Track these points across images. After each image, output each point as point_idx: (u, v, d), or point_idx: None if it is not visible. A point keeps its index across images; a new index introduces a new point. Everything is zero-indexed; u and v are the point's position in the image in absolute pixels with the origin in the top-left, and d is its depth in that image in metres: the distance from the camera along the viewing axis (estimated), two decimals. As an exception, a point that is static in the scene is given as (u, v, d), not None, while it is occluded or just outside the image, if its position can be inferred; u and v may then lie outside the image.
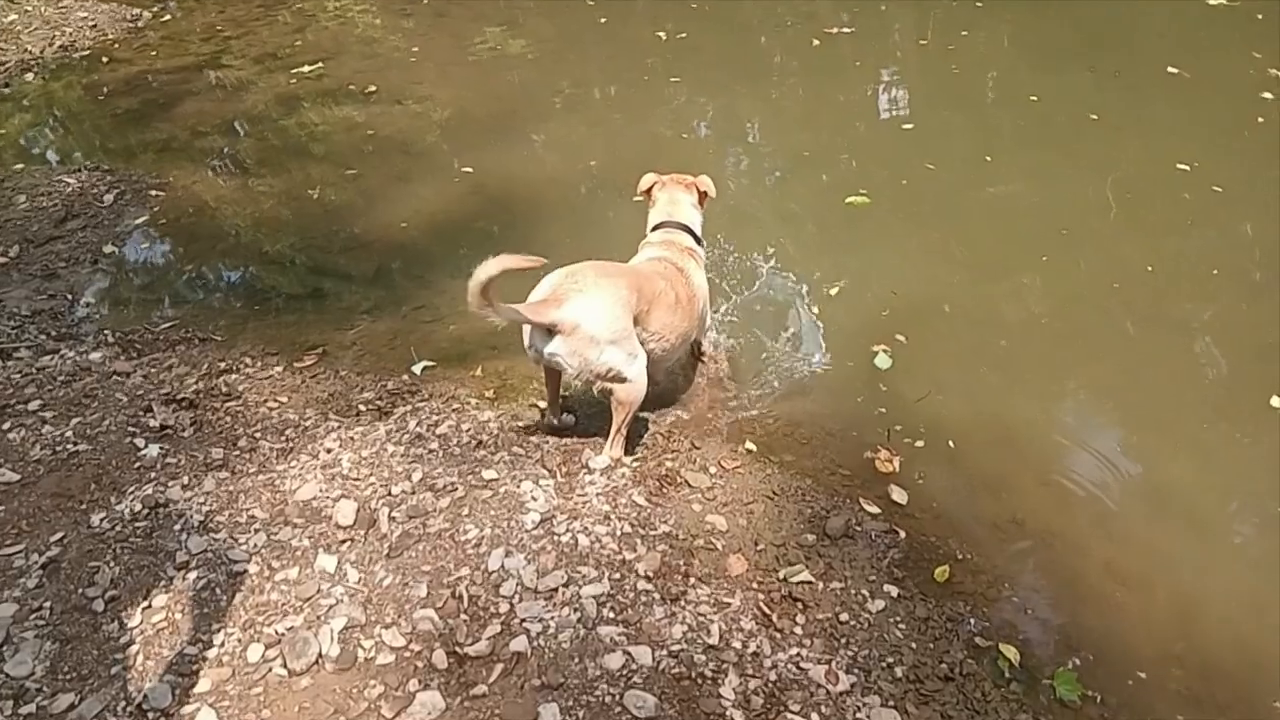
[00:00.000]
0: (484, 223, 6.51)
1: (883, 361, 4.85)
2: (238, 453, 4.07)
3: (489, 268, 3.36)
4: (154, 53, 11.09)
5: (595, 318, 3.59)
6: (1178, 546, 3.84)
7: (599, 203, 6.78)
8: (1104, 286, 5.51)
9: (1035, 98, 7.87)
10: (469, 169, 7.21)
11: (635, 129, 8.31)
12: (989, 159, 7.15)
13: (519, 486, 3.72)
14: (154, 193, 7.09)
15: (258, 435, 4.19)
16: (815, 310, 5.34)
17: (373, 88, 9.20)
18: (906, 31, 10.40)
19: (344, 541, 3.54)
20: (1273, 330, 4.95)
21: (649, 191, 4.67)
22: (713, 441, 4.18)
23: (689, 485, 3.82)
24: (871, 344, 4.99)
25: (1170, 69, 7.96)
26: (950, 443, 4.29)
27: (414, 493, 3.74)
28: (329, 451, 4.03)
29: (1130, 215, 6.26)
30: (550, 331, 3.59)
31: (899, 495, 3.91)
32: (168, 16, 12.61)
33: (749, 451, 4.09)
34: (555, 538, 3.47)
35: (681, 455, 4.02)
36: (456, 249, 6.16)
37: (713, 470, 3.93)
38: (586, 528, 3.52)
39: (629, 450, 4.03)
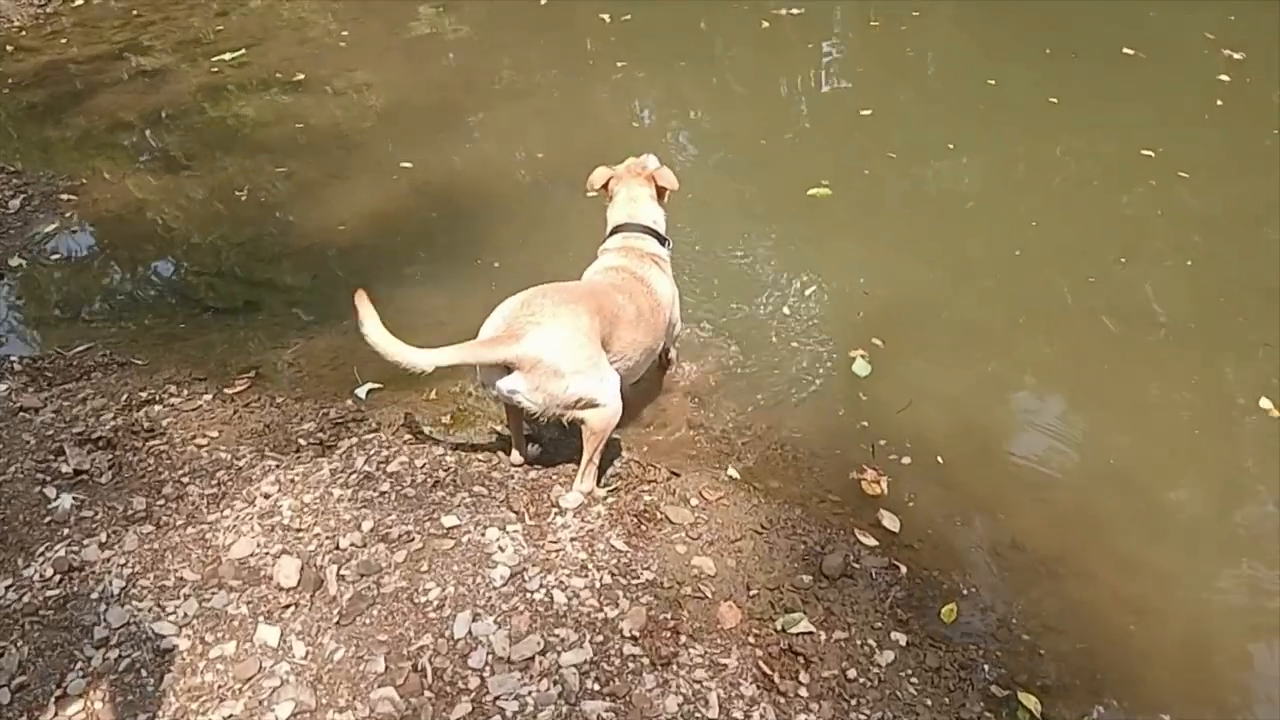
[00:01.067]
0: (428, 224, 6.01)
1: (861, 368, 4.52)
2: (162, 502, 3.58)
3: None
4: (65, 40, 10.24)
5: (557, 350, 3.19)
6: (1182, 566, 3.59)
7: (550, 198, 6.31)
8: (1079, 281, 5.25)
9: (993, 81, 7.59)
10: (408, 164, 6.68)
11: (583, 117, 7.84)
12: (951, 146, 6.84)
13: (484, 534, 3.31)
14: (66, 196, 6.43)
15: (185, 479, 3.70)
16: (787, 314, 4.97)
17: (301, 75, 8.54)
18: (856, 12, 10.06)
19: (287, 607, 3.09)
20: (1255, 327, 4.74)
21: (605, 187, 4.20)
22: (691, 467, 3.80)
23: (670, 522, 3.44)
24: (848, 349, 4.65)
25: (1126, 50, 7.73)
26: (939, 458, 3.97)
27: (365, 545, 3.30)
28: (267, 497, 3.57)
29: (1099, 204, 6.01)
30: (508, 368, 3.18)
31: (890, 522, 3.59)
32: (80, 1, 11.71)
33: (731, 479, 3.73)
34: (528, 595, 3.06)
35: (659, 486, 3.63)
36: (400, 254, 5.67)
37: (694, 502, 3.56)
38: (562, 581, 3.12)
39: (601, 480, 3.65)
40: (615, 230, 4.02)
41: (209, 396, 4.31)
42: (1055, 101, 7.17)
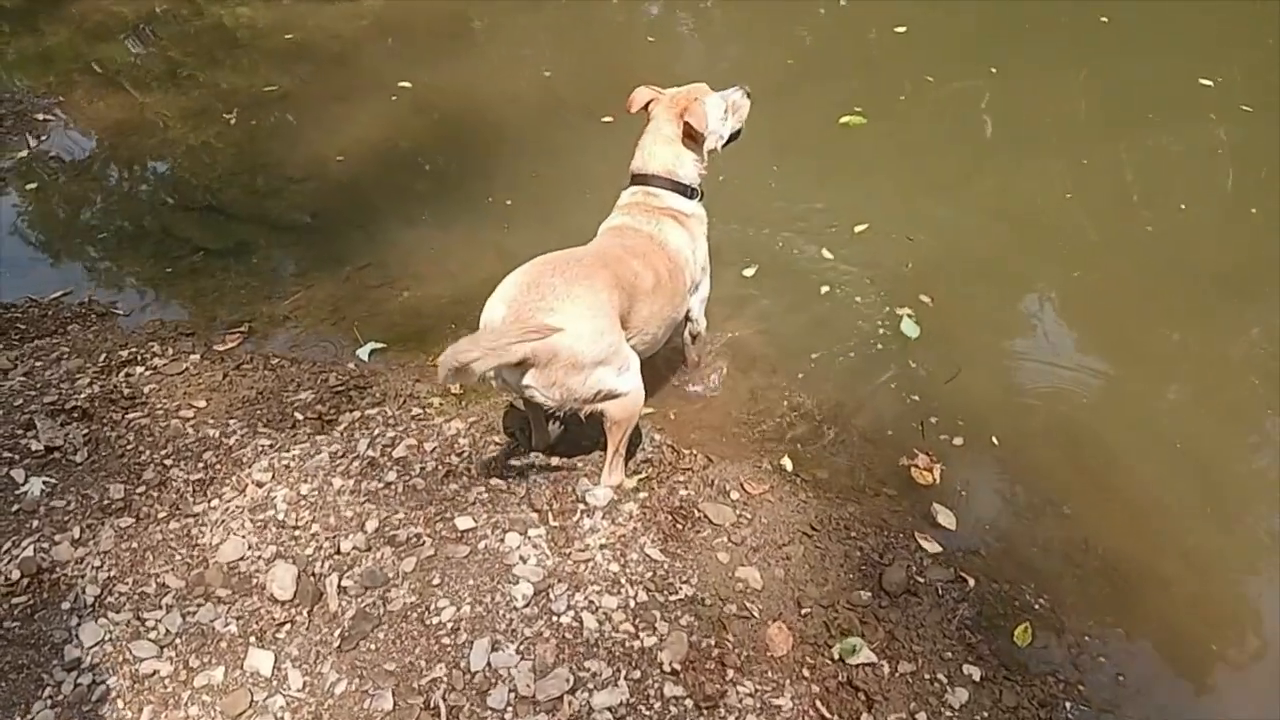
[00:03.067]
0: (433, 154, 5.38)
1: (910, 329, 3.99)
2: (143, 489, 3.10)
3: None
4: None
5: (575, 340, 2.65)
6: (1262, 572, 3.15)
7: (565, 124, 5.65)
8: (1137, 229, 4.68)
9: (1037, -3, 6.83)
10: (407, 83, 5.97)
11: (599, 31, 7.10)
12: (994, 70, 6.15)
13: (503, 540, 2.84)
14: (42, 116, 5.77)
15: (169, 462, 3.21)
16: (828, 258, 4.42)
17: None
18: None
19: (282, 625, 2.64)
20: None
21: (646, 108, 3.34)
22: (729, 452, 3.32)
23: (710, 521, 2.97)
24: (895, 306, 4.12)
25: (1183, -36, 6.93)
26: (993, 438, 3.49)
27: (369, 549, 2.84)
28: (259, 485, 3.09)
29: (1154, 140, 5.38)
30: (521, 364, 2.65)
31: (946, 518, 3.12)
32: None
33: (775, 469, 3.24)
34: (554, 618, 2.61)
35: (695, 476, 3.15)
36: (404, 190, 5.07)
37: (735, 496, 3.08)
38: (592, 601, 2.66)
39: (630, 469, 3.17)
40: (632, 179, 3.35)
41: (196, 356, 3.79)
42: (1106, 21, 6.44)
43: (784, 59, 6.44)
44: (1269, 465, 3.53)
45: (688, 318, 3.44)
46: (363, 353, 3.86)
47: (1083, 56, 6.23)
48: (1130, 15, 6.45)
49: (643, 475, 3.17)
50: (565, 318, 2.66)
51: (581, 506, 2.99)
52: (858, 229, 4.67)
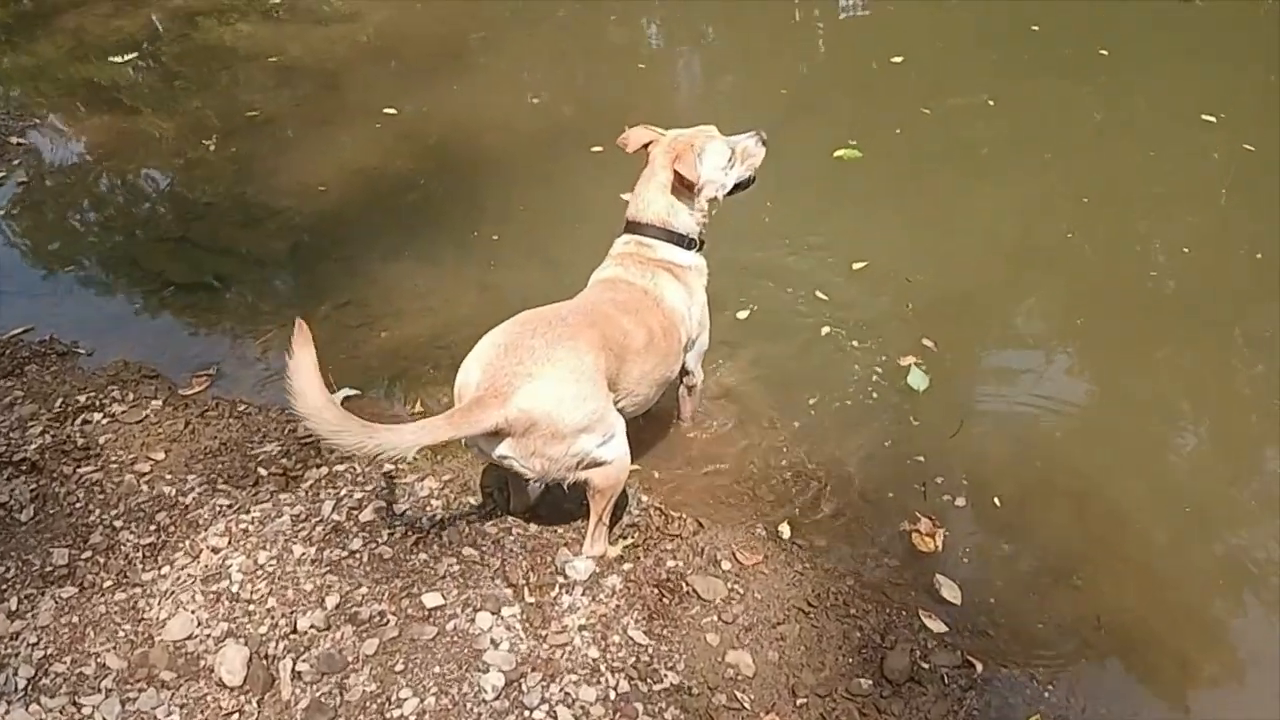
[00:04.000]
0: (420, 185, 5.10)
1: (917, 380, 3.74)
2: (89, 554, 2.83)
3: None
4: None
5: (556, 408, 2.41)
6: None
7: (557, 155, 5.39)
8: (1140, 273, 4.44)
9: (1036, 26, 6.61)
10: (392, 109, 5.72)
11: (593, 55, 6.88)
12: (991, 102, 5.93)
13: (473, 621, 2.57)
14: (16, 140, 5.50)
15: (119, 523, 2.94)
16: (824, 299, 4.18)
17: (275, 0, 7.49)
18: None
19: (229, 715, 2.37)
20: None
21: (646, 148, 3.04)
22: (721, 515, 3.06)
23: (699, 597, 2.71)
24: (896, 354, 3.87)
25: (1183, -2, 6.75)
26: (995, 499, 3.24)
27: (328, 629, 2.57)
28: (215, 551, 2.82)
29: (1157, 178, 5.15)
30: (496, 432, 2.40)
31: (950, 591, 2.85)
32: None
33: (770, 535, 2.99)
34: (526, 713, 2.34)
35: (684, 544, 2.89)
36: (388, 222, 4.80)
37: (726, 566, 2.82)
38: (569, 693, 2.39)
39: (614, 534, 2.91)
40: (626, 226, 3.08)
41: (158, 402, 3.52)
42: (1105, 53, 6.22)
43: (778, 89, 6.22)
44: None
45: (683, 371, 3.18)
46: (336, 398, 3.59)
47: (1082, 90, 6.01)
48: (1131, 49, 6.25)
49: (628, 541, 2.91)
50: (545, 383, 2.42)
51: (561, 580, 2.73)
52: (856, 266, 4.44)
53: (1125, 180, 5.12)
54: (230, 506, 2.98)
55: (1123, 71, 6.07)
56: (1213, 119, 5.49)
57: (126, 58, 6.41)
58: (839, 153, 5.43)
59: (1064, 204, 4.98)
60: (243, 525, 2.90)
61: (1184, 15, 6.66)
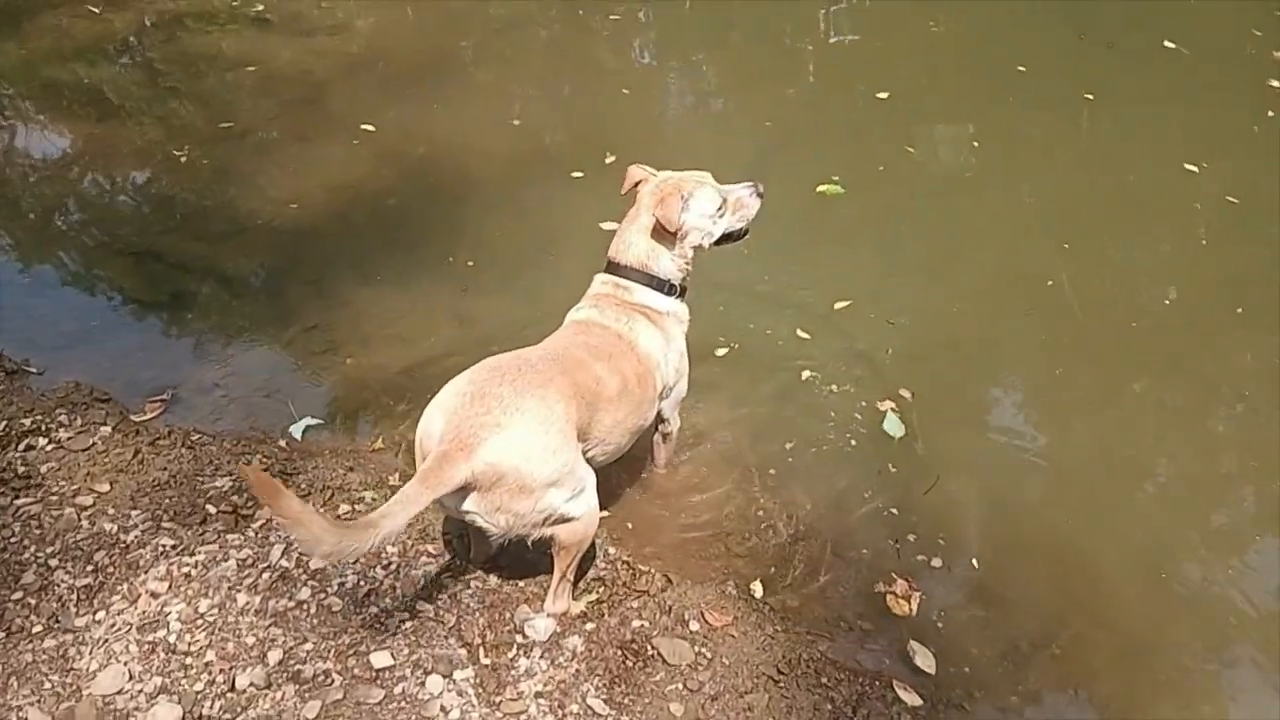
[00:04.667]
0: (395, 206, 4.93)
1: (893, 426, 3.62)
2: (20, 595, 2.63)
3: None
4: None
5: (525, 461, 2.27)
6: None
7: (536, 180, 5.24)
8: (1120, 326, 4.33)
9: (1023, 68, 6.55)
10: (370, 126, 5.55)
11: (579, 76, 6.75)
12: (976, 144, 5.87)
13: (423, 684, 2.40)
14: (-20, 143, 5.29)
15: (54, 562, 2.74)
16: (805, 339, 4.06)
17: (261, 7, 7.29)
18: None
19: (156, 784, 2.19)
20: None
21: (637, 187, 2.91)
22: (692, 572, 2.91)
23: (664, 662, 2.55)
24: (875, 399, 3.75)
25: (1168, 43, 6.71)
26: (973, 560, 3.11)
27: (269, 687, 2.38)
28: (154, 596, 2.63)
29: (1139, 229, 5.08)
30: (463, 487, 2.25)
31: (924, 659, 2.71)
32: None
33: (741, 594, 2.83)
34: (474, 790, 2.18)
35: (652, 602, 2.73)
36: (360, 243, 4.63)
37: (694, 627, 2.67)
38: (521, 769, 2.24)
39: (578, 588, 2.75)
40: (606, 266, 2.93)
41: (108, 429, 3.32)
42: (1091, 98, 6.17)
43: (763, 119, 6.11)
44: (1259, 595, 3.17)
45: (659, 418, 3.03)
46: (296, 430, 3.42)
47: (1067, 132, 5.96)
48: (1116, 93, 6.20)
49: (593, 596, 2.75)
50: (513, 434, 2.26)
51: (519, 639, 2.56)
52: (837, 305, 4.32)
53: (1108, 229, 5.04)
54: (174, 547, 2.79)
55: (1106, 117, 6.02)
56: (1195, 169, 5.43)
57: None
58: (822, 188, 5.33)
59: (1046, 251, 4.89)
60: (185, 569, 2.71)
61: (1170, 60, 6.62)
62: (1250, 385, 4.03)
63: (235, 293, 4.25)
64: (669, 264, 2.83)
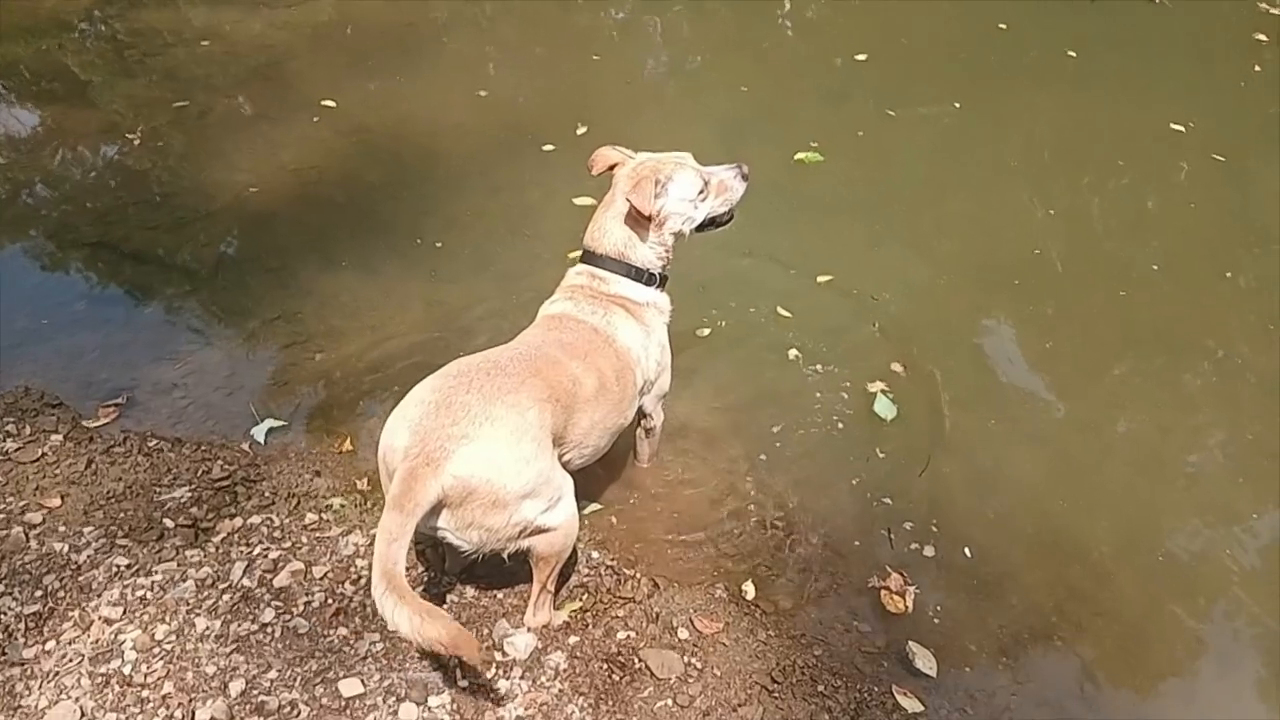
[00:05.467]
0: (359, 187, 4.64)
1: (884, 408, 3.45)
2: (-38, 627, 2.43)
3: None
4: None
5: (497, 474, 2.08)
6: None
7: (509, 157, 4.97)
8: (1109, 293, 4.19)
9: (1004, 25, 6.31)
10: (331, 102, 5.24)
11: (550, 43, 6.43)
12: (957, 105, 5.63)
13: (395, 713, 2.22)
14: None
15: (0, 588, 2.54)
16: (788, 327, 3.86)
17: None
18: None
19: (111, 833, 2.01)
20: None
21: (612, 170, 2.64)
22: (680, 574, 2.73)
23: (652, 675, 2.39)
24: (866, 378, 3.58)
25: (1150, -4, 6.49)
26: (966, 550, 2.96)
27: (232, 721, 2.21)
28: (107, 623, 2.43)
29: (1124, 190, 4.92)
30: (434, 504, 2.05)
31: (924, 661, 2.55)
32: None
33: (732, 596, 2.66)
34: (453, 830, 2.02)
35: (638, 610, 2.56)
36: (325, 228, 4.36)
37: (684, 635, 2.50)
38: (502, 803, 2.07)
39: (560, 596, 2.57)
40: (582, 255, 2.70)
41: (59, 437, 3.09)
42: (1074, 55, 5.95)
43: (739, 85, 5.85)
44: (1259, 576, 3.04)
45: (641, 413, 2.83)
46: (259, 432, 3.19)
47: (1049, 93, 5.73)
48: (1098, 51, 5.98)
49: (576, 605, 2.58)
50: (483, 445, 2.06)
51: (499, 657, 2.38)
52: (821, 279, 4.13)
53: (1093, 193, 4.87)
54: (129, 567, 2.59)
55: (1090, 75, 5.80)
56: (1182, 128, 5.25)
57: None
58: (800, 155, 5.11)
59: (1031, 216, 4.73)
60: (141, 592, 2.51)
61: (1152, 16, 6.40)
62: (1242, 353, 3.89)
63: (194, 284, 3.99)
64: (647, 252, 2.62)
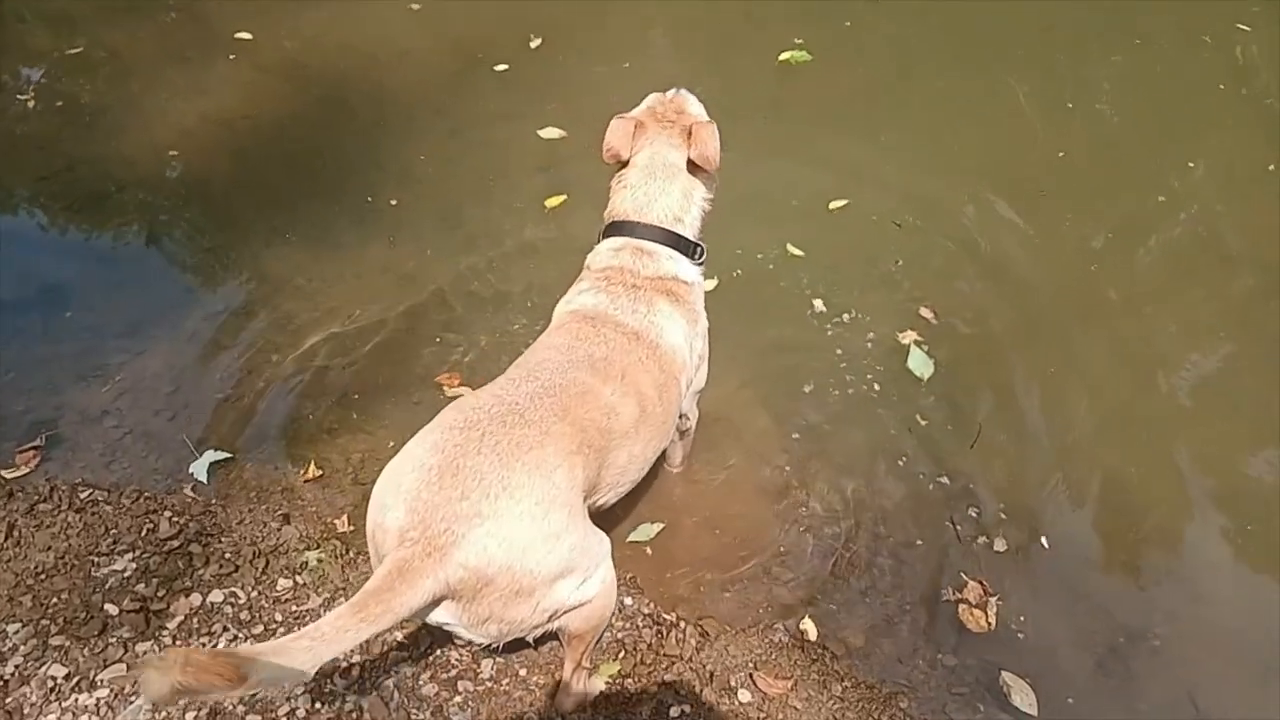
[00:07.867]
0: (293, 137, 3.81)
1: (919, 364, 2.89)
2: None
3: None
4: None
5: (519, 558, 1.52)
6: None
7: (449, 79, 4.14)
8: (1150, 194, 3.60)
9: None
10: (246, 34, 4.30)
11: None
12: (951, -14, 4.82)
13: None
14: None
15: (-95, 727, 1.94)
16: (801, 270, 3.23)
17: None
18: None
19: None
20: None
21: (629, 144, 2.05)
22: (729, 612, 2.20)
23: (712, 762, 1.89)
24: (895, 328, 3.00)
25: None
26: (1044, 539, 2.45)
27: None
28: (46, 765, 1.86)
29: (1159, 92, 4.22)
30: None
31: (1022, 696, 2.07)
32: None
33: (794, 640, 2.14)
34: None
35: (688, 669, 2.04)
36: (261, 192, 3.58)
37: (745, 698, 1.99)
38: None
39: (595, 655, 2.04)
40: (611, 229, 2.05)
41: (-32, 498, 2.43)
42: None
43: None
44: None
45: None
46: (198, 469, 2.53)
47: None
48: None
49: (615, 669, 2.05)
50: (502, 525, 1.48)
51: (529, 761, 1.86)
52: (832, 206, 3.49)
53: (1117, 81, 4.18)
54: (66, 678, 1.99)
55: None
56: (1246, 28, 4.51)
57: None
58: (785, 55, 4.35)
59: (1043, 107, 4.05)
60: (85, 714, 1.92)
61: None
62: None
63: (119, 277, 3.24)
64: (694, 211, 2.05)
